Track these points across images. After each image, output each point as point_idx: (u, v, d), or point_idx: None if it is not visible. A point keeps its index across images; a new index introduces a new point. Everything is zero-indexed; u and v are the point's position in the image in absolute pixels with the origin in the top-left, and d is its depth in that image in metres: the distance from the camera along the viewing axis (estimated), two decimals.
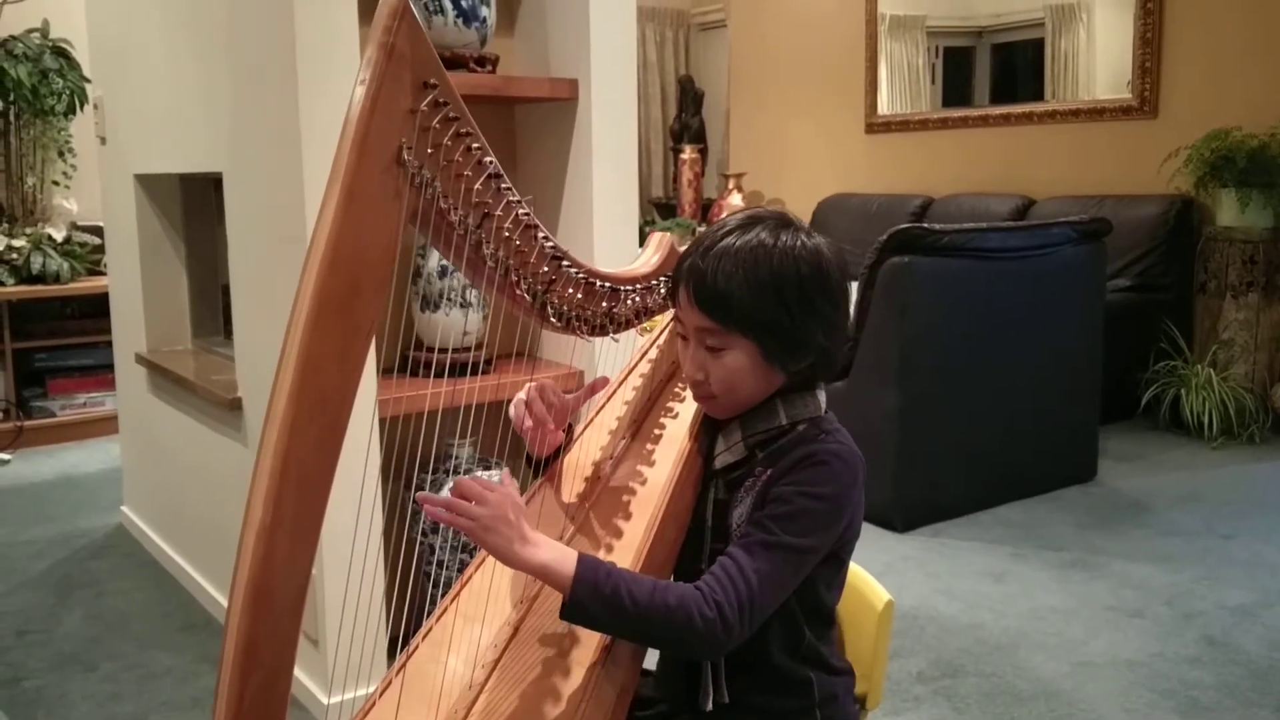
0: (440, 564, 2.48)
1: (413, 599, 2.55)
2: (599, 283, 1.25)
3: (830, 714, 1.30)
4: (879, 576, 1.43)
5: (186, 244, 3.33)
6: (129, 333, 3.42)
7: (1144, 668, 2.48)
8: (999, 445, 3.63)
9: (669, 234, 1.41)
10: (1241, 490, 3.80)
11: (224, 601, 2.81)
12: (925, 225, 3.40)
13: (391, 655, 2.43)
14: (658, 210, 7.45)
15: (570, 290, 1.21)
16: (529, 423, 1.34)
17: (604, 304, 1.27)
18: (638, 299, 1.32)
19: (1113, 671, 2.47)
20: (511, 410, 1.36)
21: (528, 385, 1.35)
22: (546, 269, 1.18)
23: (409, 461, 2.50)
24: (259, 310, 2.52)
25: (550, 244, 1.17)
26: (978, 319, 3.51)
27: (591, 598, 1.09)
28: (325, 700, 2.29)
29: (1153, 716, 2.27)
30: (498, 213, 1.10)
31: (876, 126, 6.37)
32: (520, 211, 1.12)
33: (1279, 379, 4.54)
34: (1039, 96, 5.61)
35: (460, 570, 2.46)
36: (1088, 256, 3.80)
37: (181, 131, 2.84)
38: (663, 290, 1.35)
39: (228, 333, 3.25)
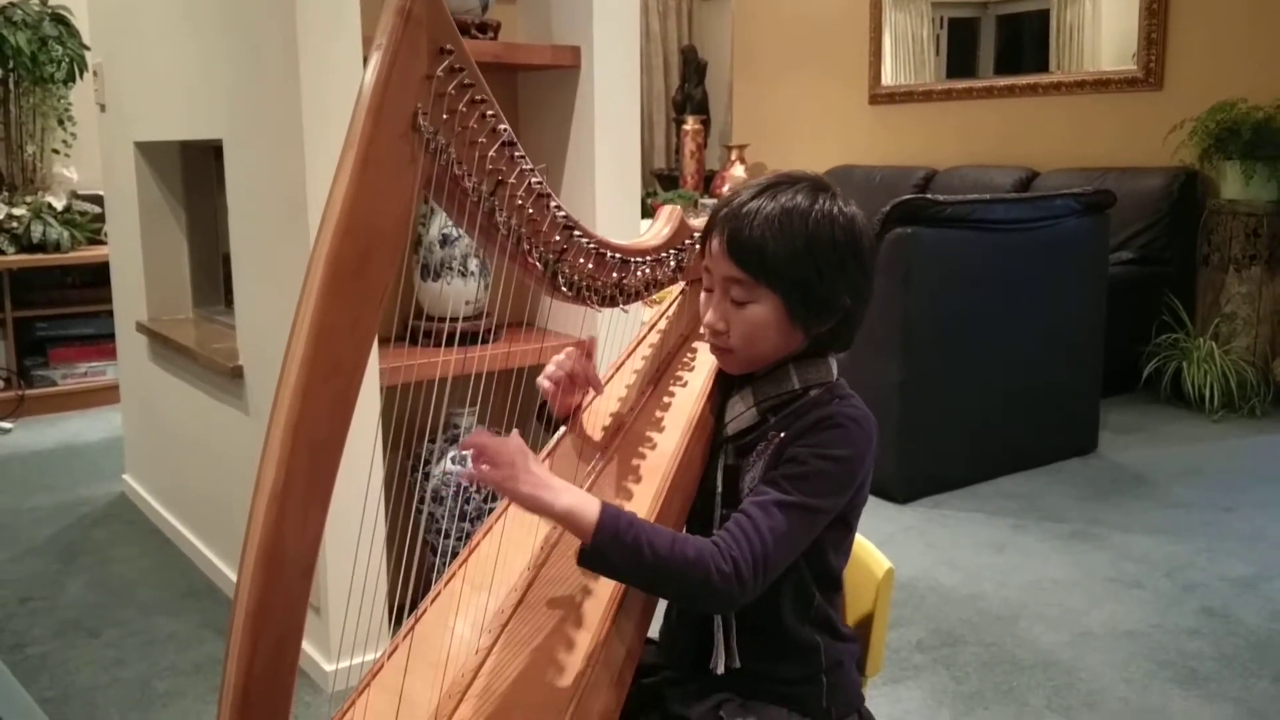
0: (442, 533, 2.49)
1: (415, 568, 2.56)
2: (610, 253, 1.24)
3: (836, 681, 1.31)
4: (880, 547, 1.43)
5: (187, 212, 3.32)
6: (130, 301, 3.41)
7: (1143, 638, 2.50)
8: (1000, 417, 3.63)
9: (678, 206, 1.41)
10: (1242, 463, 3.81)
11: (225, 569, 2.83)
12: (929, 196, 3.39)
13: (394, 623, 2.45)
14: (660, 182, 7.43)
15: (581, 260, 1.21)
16: (559, 375, 1.35)
17: (614, 275, 1.26)
18: (647, 270, 1.31)
19: (1112, 642, 2.48)
20: (540, 382, 1.37)
21: (554, 358, 1.36)
22: (558, 238, 1.17)
23: (412, 431, 2.50)
24: (260, 278, 2.51)
25: (562, 213, 1.17)
26: (980, 290, 3.50)
27: (612, 545, 1.08)
28: (327, 667, 2.31)
29: (1152, 687, 2.28)
30: (511, 180, 1.09)
31: (880, 98, 6.34)
32: (533, 180, 1.11)
33: None
34: (1044, 68, 5.58)
35: (463, 539, 2.47)
36: (1091, 229, 3.79)
37: (182, 98, 2.83)
38: (673, 263, 1.35)
39: (228, 301, 3.25)
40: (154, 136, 3.13)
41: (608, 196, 2.45)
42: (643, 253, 1.31)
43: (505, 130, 1.08)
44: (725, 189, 6.66)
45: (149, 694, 2.32)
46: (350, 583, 2.21)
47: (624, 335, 2.41)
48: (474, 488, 2.40)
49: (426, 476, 2.44)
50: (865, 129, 6.44)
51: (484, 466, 1.09)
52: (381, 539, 2.32)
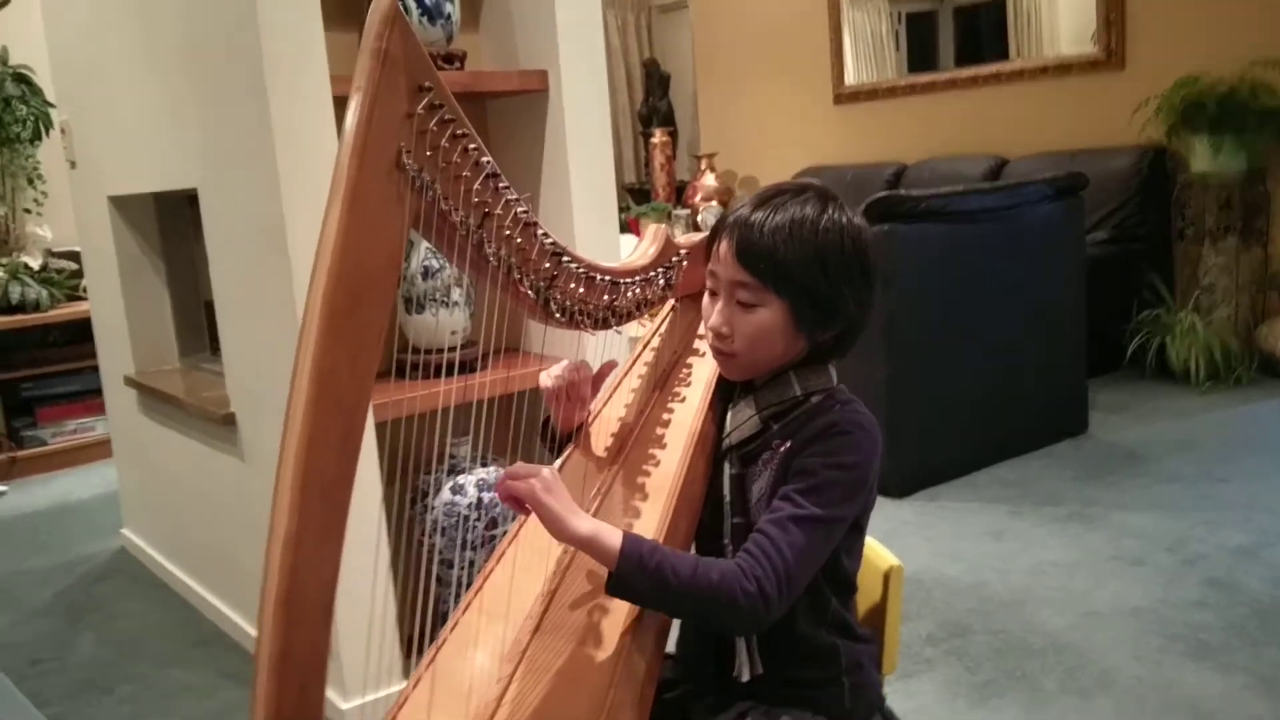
0: (447, 563, 2.49)
1: (423, 601, 2.56)
2: (599, 276, 1.25)
3: (856, 681, 1.32)
4: (881, 543, 1.45)
5: (165, 262, 3.31)
6: (115, 356, 3.40)
7: (1150, 614, 2.52)
8: (989, 405, 3.65)
9: (663, 225, 1.42)
10: (1232, 433, 3.84)
11: (233, 615, 2.82)
12: (903, 192, 3.41)
13: (406, 657, 2.44)
14: (631, 196, 7.45)
15: (572, 285, 1.22)
16: (563, 382, 1.36)
17: (605, 297, 1.27)
18: (638, 290, 1.33)
19: (1119, 620, 2.50)
20: (545, 380, 1.38)
21: (562, 362, 1.37)
22: (548, 265, 1.18)
23: (409, 465, 2.50)
24: (245, 324, 2.51)
25: (550, 240, 1.18)
26: (960, 281, 3.53)
27: (636, 571, 1.10)
28: (343, 705, 2.30)
29: (1163, 662, 2.30)
30: (498, 211, 1.10)
31: (845, 97, 6.38)
32: (519, 210, 1.12)
33: (1262, 320, 4.58)
34: (1004, 56, 5.63)
35: (467, 568, 2.47)
36: (1065, 212, 3.82)
37: (152, 150, 2.83)
38: (661, 281, 1.36)
39: (214, 349, 3.24)
40: (127, 189, 3.13)
41: (585, 216, 2.46)
42: (631, 273, 1.32)
43: (489, 162, 1.09)
44: (697, 198, 6.69)
45: None
46: (360, 619, 2.20)
47: (609, 354, 2.42)
48: (475, 516, 2.40)
49: (427, 509, 2.44)
50: (832, 129, 6.48)
51: (516, 482, 1.11)
52: (387, 574, 2.32)
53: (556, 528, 1.11)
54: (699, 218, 6.42)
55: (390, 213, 1.01)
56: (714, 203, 6.57)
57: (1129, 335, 4.60)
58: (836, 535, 1.21)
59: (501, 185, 1.11)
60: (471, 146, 1.07)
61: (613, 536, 1.11)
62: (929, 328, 3.46)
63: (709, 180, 6.80)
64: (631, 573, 1.11)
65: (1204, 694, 2.16)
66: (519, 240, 1.14)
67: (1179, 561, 2.79)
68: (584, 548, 1.13)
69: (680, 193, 7.16)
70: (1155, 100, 4.66)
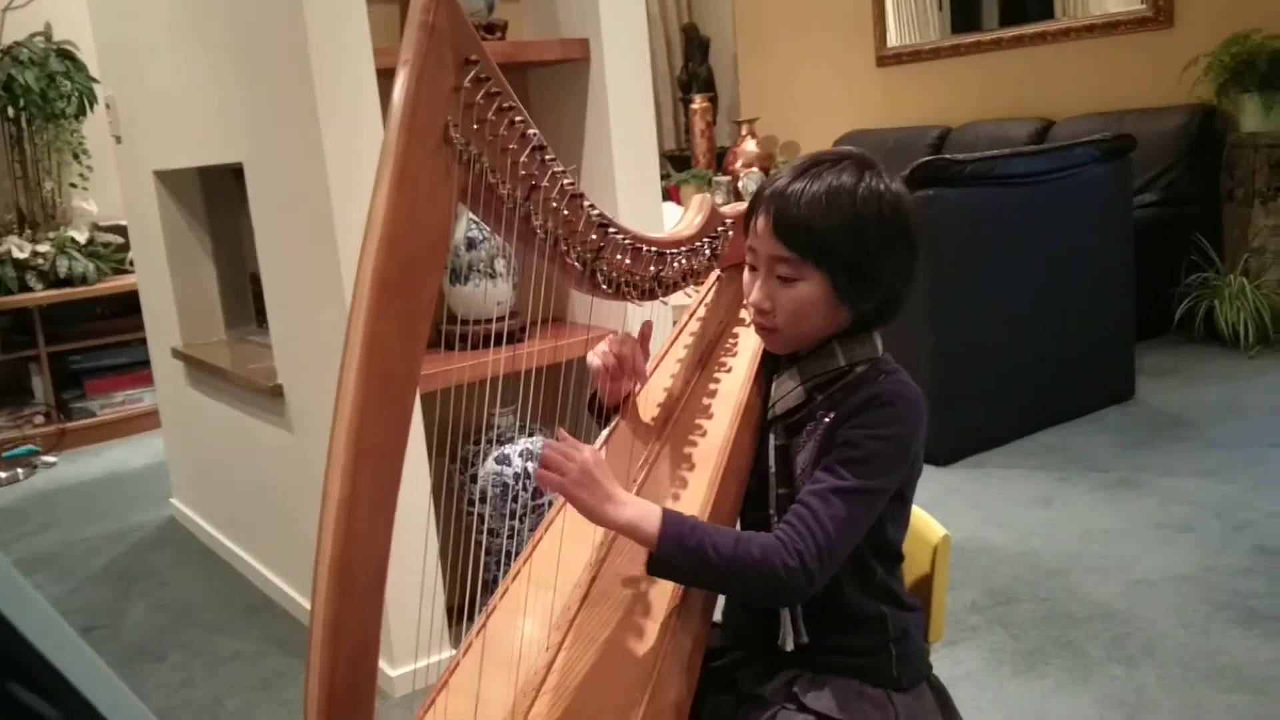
0: (492, 533, 2.51)
1: (468, 569, 2.58)
2: (645, 247, 1.25)
3: (904, 650, 1.31)
4: (927, 511, 1.44)
5: (211, 235, 3.35)
6: (163, 328, 3.45)
7: (1198, 581, 2.50)
8: (1036, 371, 3.62)
9: (708, 195, 1.42)
10: None
11: (281, 583, 2.86)
12: (947, 156, 3.37)
13: (452, 625, 2.48)
14: (671, 163, 7.41)
15: (619, 256, 1.22)
16: (611, 361, 1.36)
17: (651, 268, 1.27)
18: (683, 261, 1.32)
19: (1167, 588, 2.48)
20: (592, 359, 1.38)
21: (610, 336, 1.37)
22: (595, 236, 1.18)
23: (455, 434, 2.53)
24: (292, 297, 2.54)
25: (596, 211, 1.18)
26: (1006, 246, 3.49)
27: (677, 552, 1.11)
28: (391, 673, 2.34)
29: (1210, 629, 2.28)
30: (544, 184, 1.10)
31: (888, 59, 6.29)
32: (565, 181, 1.12)
33: None
34: (1049, 15, 5.52)
35: (513, 537, 2.50)
36: (1113, 174, 3.76)
37: (197, 124, 2.85)
38: (707, 251, 1.36)
39: (260, 321, 3.28)
40: (172, 164, 3.16)
41: (628, 186, 2.45)
42: (677, 244, 1.32)
43: (535, 135, 1.09)
44: (738, 164, 6.64)
45: (220, 713, 2.36)
46: (407, 588, 2.23)
47: (658, 327, 2.43)
48: (520, 485, 2.42)
49: (474, 479, 2.46)
50: (874, 92, 6.39)
51: (552, 473, 1.10)
52: (434, 542, 2.35)
53: (593, 518, 1.12)
54: (740, 184, 6.37)
55: (438, 186, 1.01)
56: (755, 169, 6.52)
57: (1177, 299, 4.52)
58: (878, 506, 1.21)
59: (548, 157, 1.11)
60: (518, 119, 1.07)
61: (651, 519, 1.11)
62: (975, 293, 3.43)
63: (749, 146, 6.74)
64: (673, 553, 1.11)
65: (1251, 660, 2.14)
66: (565, 212, 1.14)
67: (1227, 528, 2.76)
68: (624, 533, 1.14)
69: (721, 159, 7.10)
70: (1205, 58, 4.55)
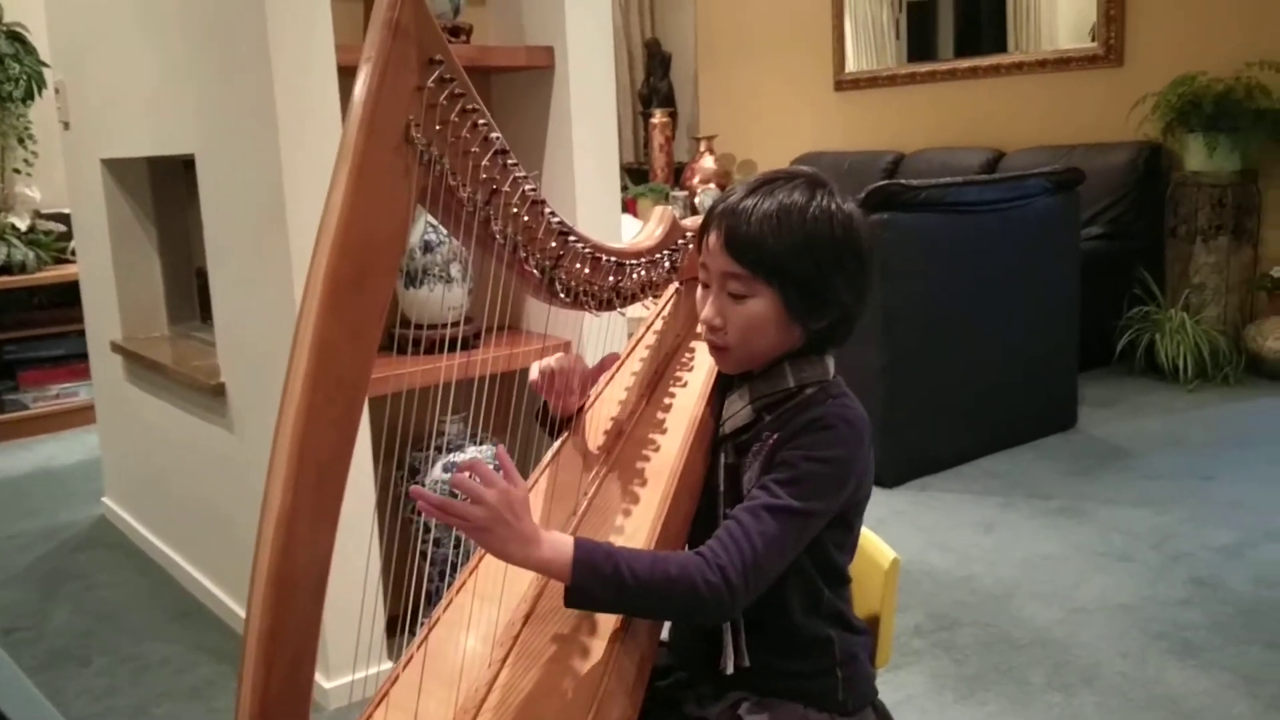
0: (436, 542, 2.47)
1: (409, 580, 2.54)
2: (605, 257, 1.24)
3: (850, 674, 1.30)
4: (872, 532, 1.44)
5: (158, 227, 3.28)
6: (102, 321, 3.36)
7: (1136, 611, 2.52)
8: (981, 397, 3.65)
9: (669, 207, 1.40)
10: (1219, 432, 3.85)
11: (215, 589, 2.80)
12: (903, 181, 3.40)
13: (390, 637, 2.43)
14: (629, 176, 7.41)
15: (578, 265, 1.20)
16: (550, 371, 1.34)
17: (610, 278, 1.26)
18: (643, 273, 1.31)
19: (1106, 616, 2.50)
20: (533, 372, 1.36)
21: (550, 357, 1.35)
22: (554, 244, 1.17)
23: (402, 440, 2.49)
24: (239, 293, 2.49)
25: (556, 219, 1.16)
26: (957, 273, 3.52)
27: (592, 580, 1.08)
28: (326, 685, 2.29)
29: (1148, 659, 2.30)
30: (505, 188, 1.08)
31: (845, 84, 6.35)
32: (527, 187, 1.11)
33: (1250, 320, 4.59)
34: (1002, 49, 5.61)
35: (458, 547, 2.46)
36: (1062, 206, 3.82)
37: (149, 113, 2.79)
38: (667, 263, 1.35)
39: (204, 317, 3.21)
40: (121, 153, 3.09)
41: (588, 196, 2.44)
42: (637, 255, 1.30)
43: (498, 139, 1.07)
44: (695, 180, 6.66)
45: None
46: (346, 597, 2.18)
47: (607, 336, 2.41)
48: (466, 496, 2.39)
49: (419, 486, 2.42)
50: (832, 115, 6.45)
51: (452, 519, 1.06)
52: (375, 551, 2.31)
53: (502, 559, 1.09)
54: (696, 199, 6.39)
55: (397, 186, 0.99)
56: (712, 185, 6.54)
57: (1119, 331, 4.60)
58: (812, 528, 1.20)
59: (510, 162, 1.09)
60: (481, 122, 1.05)
61: (563, 552, 1.08)
62: (924, 318, 3.45)
63: (708, 162, 6.77)
64: (588, 582, 1.08)
65: (1188, 692, 2.16)
66: (526, 218, 1.12)
67: (1165, 559, 2.80)
68: (537, 570, 1.11)
69: (678, 174, 7.12)
70: (1153, 98, 4.65)
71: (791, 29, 6.58)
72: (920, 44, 6.10)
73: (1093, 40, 5.18)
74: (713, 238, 1.21)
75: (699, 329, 1.42)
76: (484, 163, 1.06)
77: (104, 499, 3.61)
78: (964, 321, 3.56)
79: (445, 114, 1.01)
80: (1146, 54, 4.94)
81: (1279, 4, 4.51)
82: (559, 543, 1.09)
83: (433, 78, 0.99)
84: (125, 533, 3.40)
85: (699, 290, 1.27)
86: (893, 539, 1.46)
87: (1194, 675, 2.22)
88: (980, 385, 3.63)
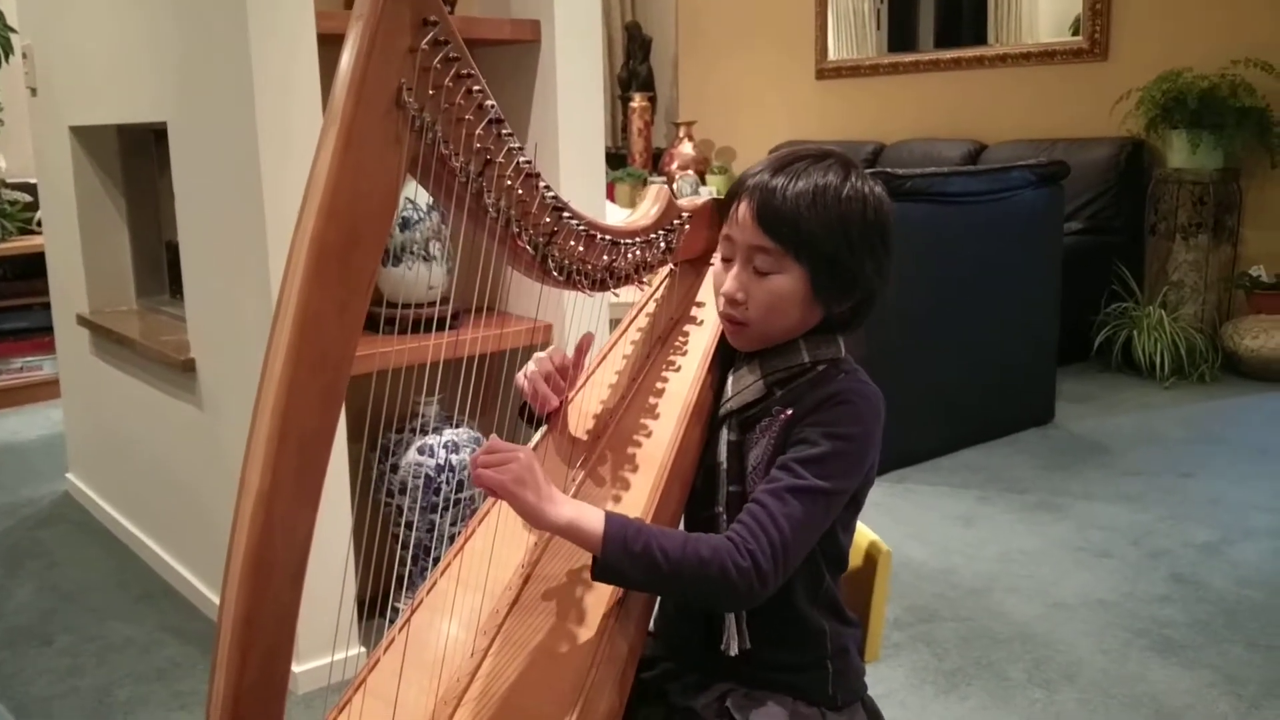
0: (409, 525, 2.42)
1: (383, 562, 2.49)
2: (600, 235, 1.19)
3: (840, 667, 1.28)
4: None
5: (127, 199, 3.20)
6: (69, 293, 3.28)
7: (1116, 607, 2.51)
8: (961, 389, 3.64)
9: (665, 186, 1.36)
10: (1196, 429, 3.86)
11: (182, 569, 2.74)
12: (889, 170, 3.36)
13: (361, 620, 2.38)
14: (608, 160, 7.37)
15: (572, 243, 1.15)
16: (541, 386, 1.29)
17: (604, 257, 1.21)
18: (638, 252, 1.26)
19: (1086, 612, 2.49)
20: (519, 379, 1.31)
21: (535, 355, 1.30)
22: (548, 220, 1.12)
23: (376, 421, 2.43)
24: (212, 267, 2.42)
25: (551, 194, 1.11)
26: (939, 263, 3.49)
27: (622, 556, 1.05)
28: (295, 669, 2.24)
29: (1129, 656, 2.29)
30: (499, 160, 1.03)
31: (827, 72, 6.31)
32: (521, 160, 1.06)
33: (1228, 319, 4.60)
34: (981, 40, 5.60)
35: (431, 531, 2.41)
36: (1046, 200, 3.80)
37: (121, 80, 2.71)
38: (662, 244, 1.30)
39: (174, 291, 3.14)
40: (90, 120, 3.00)
41: (573, 175, 2.39)
42: (633, 234, 1.26)
43: (493, 107, 1.02)
44: (673, 166, 6.61)
45: (109, 703, 2.23)
46: (317, 580, 2.13)
47: (589, 318, 2.36)
48: (442, 478, 2.34)
49: (394, 468, 2.37)
50: (813, 104, 6.41)
51: (488, 471, 1.04)
52: (347, 534, 2.25)
53: (533, 519, 1.06)
54: (674, 185, 6.34)
55: (387, 153, 0.94)
56: (690, 171, 6.49)
57: (1097, 327, 4.60)
58: (835, 508, 1.17)
59: (505, 132, 1.04)
60: (476, 89, 1.00)
61: (594, 521, 1.06)
62: (907, 308, 3.42)
63: (686, 148, 6.72)
64: (618, 558, 1.06)
65: (1169, 690, 2.15)
66: (520, 192, 1.07)
67: (1144, 555, 2.79)
68: (565, 535, 1.08)
69: (657, 160, 7.07)
70: (1137, 93, 4.64)
71: (774, 16, 6.54)
72: (901, 34, 6.07)
73: (1074, 34, 5.17)
74: (744, 209, 1.18)
75: (695, 310, 1.39)
76: (478, 131, 1.01)
77: (68, 475, 3.53)
78: (945, 314, 3.53)
79: (439, 78, 0.96)
80: (1131, 49, 4.93)
81: (1264, 2, 4.51)
82: (589, 512, 1.07)
83: (427, 39, 0.94)
84: (89, 510, 3.32)
85: (717, 264, 1.24)
86: (872, 530, 1.43)
87: (1176, 674, 2.21)
88: (960, 378, 3.62)
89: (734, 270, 1.20)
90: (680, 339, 1.34)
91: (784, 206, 1.15)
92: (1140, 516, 3.05)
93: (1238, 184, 4.59)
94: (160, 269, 3.26)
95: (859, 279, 1.19)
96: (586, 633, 1.14)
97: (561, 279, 1.17)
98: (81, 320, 3.12)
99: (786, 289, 1.18)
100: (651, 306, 1.41)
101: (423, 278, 2.33)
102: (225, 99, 2.16)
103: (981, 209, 3.57)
